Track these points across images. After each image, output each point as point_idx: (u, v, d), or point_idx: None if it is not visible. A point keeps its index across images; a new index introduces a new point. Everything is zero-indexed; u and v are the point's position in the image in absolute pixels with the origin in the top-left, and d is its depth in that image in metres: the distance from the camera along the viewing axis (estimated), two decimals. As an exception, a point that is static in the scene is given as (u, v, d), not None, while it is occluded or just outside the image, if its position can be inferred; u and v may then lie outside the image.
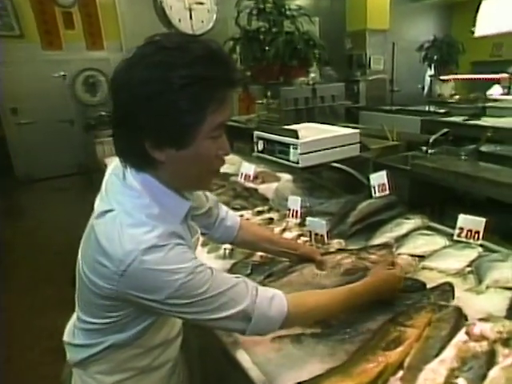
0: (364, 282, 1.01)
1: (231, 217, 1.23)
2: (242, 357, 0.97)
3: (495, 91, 4.89)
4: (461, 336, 0.81)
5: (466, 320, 0.90)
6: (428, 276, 1.20)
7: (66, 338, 0.97)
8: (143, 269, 0.73)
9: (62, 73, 5.68)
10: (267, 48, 3.24)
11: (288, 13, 3.33)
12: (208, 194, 1.19)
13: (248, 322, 0.82)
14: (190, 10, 2.63)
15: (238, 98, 4.18)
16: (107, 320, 0.84)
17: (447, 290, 1.02)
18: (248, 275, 1.25)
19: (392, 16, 5.91)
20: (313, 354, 0.94)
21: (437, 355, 0.77)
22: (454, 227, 1.51)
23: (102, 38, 5.85)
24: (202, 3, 2.70)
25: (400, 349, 0.82)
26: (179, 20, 2.58)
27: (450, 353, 0.77)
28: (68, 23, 5.71)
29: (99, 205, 0.82)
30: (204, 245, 1.47)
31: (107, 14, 5.78)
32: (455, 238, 1.39)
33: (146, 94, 0.71)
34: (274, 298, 0.85)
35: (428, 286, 1.08)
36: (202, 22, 2.70)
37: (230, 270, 1.32)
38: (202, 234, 1.20)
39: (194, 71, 0.72)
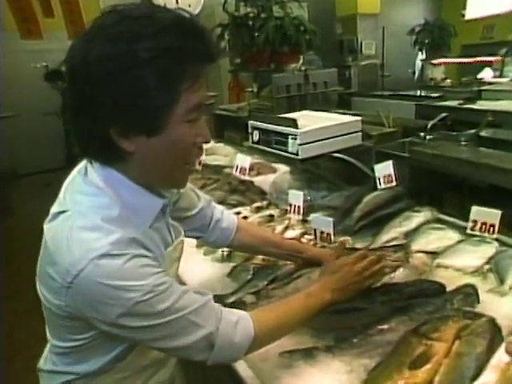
0: (319, 281, 0.94)
1: (227, 217, 1.11)
2: (247, 374, 0.87)
3: (486, 74, 4.81)
4: (501, 355, 0.71)
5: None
6: (444, 275, 1.11)
7: (39, 363, 0.85)
8: (92, 282, 0.61)
9: (44, 63, 5.46)
10: (257, 34, 3.13)
11: (277, -2, 3.22)
12: (199, 192, 1.08)
13: (210, 349, 0.72)
14: (176, -6, 2.48)
15: (228, 86, 4.06)
16: (74, 343, 0.73)
17: (470, 293, 0.93)
18: (249, 280, 1.14)
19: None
20: (327, 370, 0.84)
21: (474, 378, 0.68)
22: (456, 216, 1.43)
23: (84, 27, 5.59)
24: (188, -14, 2.55)
25: (428, 366, 0.73)
26: (164, 5, 2.42)
27: (490, 376, 0.67)
28: (47, 11, 5.44)
29: (54, 206, 0.71)
30: (199, 246, 1.36)
31: (88, 1, 5.52)
32: (468, 231, 1.31)
33: (107, 71, 0.61)
34: (239, 323, 0.75)
35: (448, 289, 0.99)
36: (189, 6, 2.55)
37: (230, 274, 1.22)
38: (196, 237, 1.11)
39: (162, 42, 0.62)
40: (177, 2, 2.44)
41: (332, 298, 0.91)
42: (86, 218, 0.65)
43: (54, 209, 0.70)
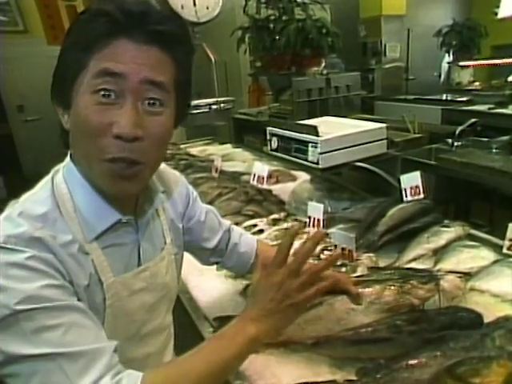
0: (241, 315, 0.69)
1: (246, 241, 1.03)
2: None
3: (518, 77, 4.59)
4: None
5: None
6: (479, 301, 1.00)
7: None
8: None
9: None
10: (277, 37, 3.08)
11: (298, 0, 3.15)
12: (219, 217, 1.02)
13: None
14: (194, -5, 2.44)
15: (248, 90, 4.01)
16: None
17: (514, 328, 0.82)
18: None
19: (409, 0, 5.61)
20: (348, 410, 0.76)
21: None
22: (486, 228, 1.32)
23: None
24: (206, -12, 2.51)
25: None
26: (182, 6, 2.39)
27: None
28: (72, 17, 5.56)
29: None
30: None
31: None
32: (505, 250, 1.19)
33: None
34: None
35: (485, 319, 0.88)
36: (207, 8, 2.51)
37: (243, 293, 1.14)
38: (214, 263, 1.03)
39: (92, 6, 0.63)
40: (194, 4, 2.40)
41: (257, 332, 0.66)
42: (13, 210, 0.62)
43: None
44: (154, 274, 0.77)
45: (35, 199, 0.65)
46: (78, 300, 0.62)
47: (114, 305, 0.69)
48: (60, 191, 0.66)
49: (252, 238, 1.08)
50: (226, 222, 1.04)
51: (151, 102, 0.63)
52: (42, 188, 0.68)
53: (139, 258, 0.75)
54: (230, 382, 0.86)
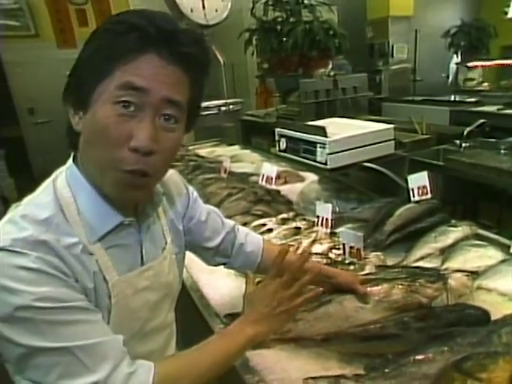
0: (240, 318, 0.80)
1: (252, 240, 1.04)
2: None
3: (528, 77, 4.55)
4: None
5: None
6: (486, 300, 1.01)
7: None
8: None
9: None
10: (285, 39, 3.09)
11: (306, 1, 3.20)
12: (224, 218, 1.03)
13: None
14: (203, -1, 2.47)
15: (256, 92, 4.03)
16: None
17: (521, 325, 0.83)
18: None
19: (416, 1, 5.60)
20: (357, 403, 0.78)
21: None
22: (495, 229, 1.32)
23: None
24: (215, -9, 2.54)
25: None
26: (191, 10, 2.43)
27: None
28: (82, 20, 5.61)
29: None
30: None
31: (120, 10, 5.66)
32: (512, 250, 1.21)
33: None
34: (135, 373, 0.63)
35: (493, 317, 0.90)
36: (216, 11, 2.54)
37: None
38: (221, 264, 1.04)
39: (121, 16, 0.64)
40: (203, 7, 2.43)
41: (255, 333, 0.77)
42: (15, 213, 0.64)
43: None
44: (157, 274, 0.79)
45: (38, 203, 0.66)
46: (86, 296, 0.65)
47: (119, 303, 0.71)
48: (63, 195, 0.67)
49: (258, 237, 1.08)
50: (230, 222, 1.04)
51: (167, 117, 0.66)
52: (43, 191, 0.68)
53: (142, 257, 0.76)
54: (241, 377, 0.88)
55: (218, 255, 1.01)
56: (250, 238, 1.04)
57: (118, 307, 0.70)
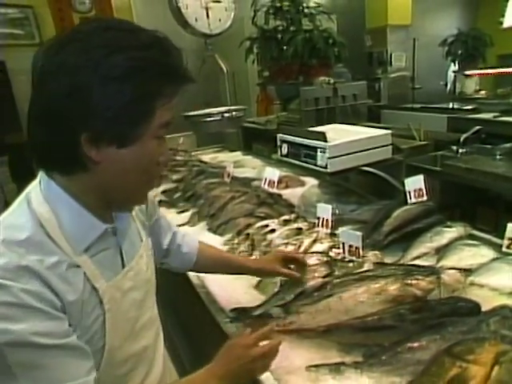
0: (207, 367, 0.80)
1: (188, 242, 1.11)
2: (274, 386, 0.87)
3: (524, 85, 4.62)
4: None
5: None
6: (478, 294, 1.07)
7: None
8: None
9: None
10: (285, 47, 3.15)
11: (306, 11, 3.26)
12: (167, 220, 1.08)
13: None
14: (207, 9, 2.54)
15: (256, 99, 4.10)
16: None
17: (508, 316, 0.89)
18: (277, 293, 1.15)
19: (414, 10, 5.71)
20: (356, 387, 0.83)
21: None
22: (490, 232, 1.38)
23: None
24: (219, 1, 2.61)
25: (463, 389, 0.70)
26: (195, 19, 2.50)
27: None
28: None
29: None
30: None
31: (123, 17, 5.74)
32: (504, 249, 1.26)
33: (87, 81, 0.59)
34: None
35: (483, 309, 0.95)
36: (220, 20, 2.62)
37: (257, 286, 1.23)
38: (159, 263, 1.08)
39: (149, 53, 0.62)
40: (207, 17, 2.51)
41: None
42: None
43: None
44: (137, 272, 0.82)
45: (13, 224, 0.64)
46: (70, 325, 0.64)
47: (112, 308, 0.72)
48: (40, 211, 0.65)
49: (193, 239, 1.13)
50: (171, 224, 1.09)
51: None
52: (18, 212, 0.67)
53: (122, 259, 0.78)
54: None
55: (165, 256, 1.07)
56: (187, 240, 1.11)
57: (112, 312, 0.72)
